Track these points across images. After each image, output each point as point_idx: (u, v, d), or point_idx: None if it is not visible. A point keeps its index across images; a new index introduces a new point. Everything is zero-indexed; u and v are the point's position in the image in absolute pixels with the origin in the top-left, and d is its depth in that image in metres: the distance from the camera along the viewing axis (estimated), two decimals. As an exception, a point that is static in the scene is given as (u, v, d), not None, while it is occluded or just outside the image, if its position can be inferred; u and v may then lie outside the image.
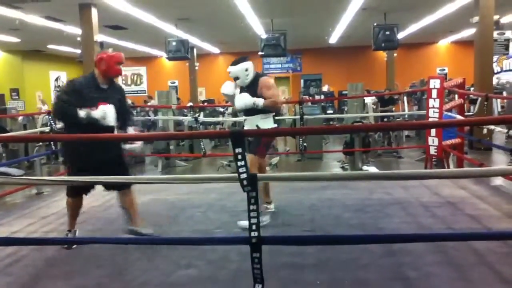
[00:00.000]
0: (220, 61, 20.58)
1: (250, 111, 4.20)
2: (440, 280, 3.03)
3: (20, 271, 3.37)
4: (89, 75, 3.70)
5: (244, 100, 4.11)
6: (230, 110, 12.40)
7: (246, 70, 4.21)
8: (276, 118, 4.49)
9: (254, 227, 2.32)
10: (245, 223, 4.07)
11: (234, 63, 4.24)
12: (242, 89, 4.29)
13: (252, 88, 4.19)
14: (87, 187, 3.70)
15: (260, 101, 4.09)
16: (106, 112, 3.49)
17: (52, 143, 6.29)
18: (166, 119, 9.22)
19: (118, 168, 3.62)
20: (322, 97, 16.69)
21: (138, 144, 4.02)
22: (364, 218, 4.38)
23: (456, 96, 7.10)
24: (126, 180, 3.28)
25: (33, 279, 3.23)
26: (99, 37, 10.44)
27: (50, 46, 16.28)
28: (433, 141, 6.24)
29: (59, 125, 8.98)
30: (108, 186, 3.75)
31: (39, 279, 3.22)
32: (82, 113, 3.43)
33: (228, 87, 4.33)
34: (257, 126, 4.22)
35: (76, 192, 3.74)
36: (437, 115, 6.06)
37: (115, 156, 3.72)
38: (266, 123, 4.22)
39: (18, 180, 3.60)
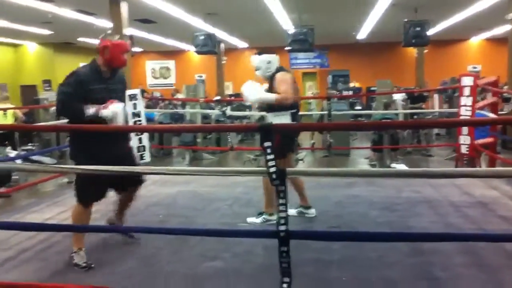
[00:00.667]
0: (247, 56, 20.56)
1: (270, 107, 4.08)
2: (470, 281, 2.98)
3: (52, 257, 3.47)
4: (92, 64, 3.38)
5: (253, 91, 4.01)
6: (257, 104, 12.39)
7: (269, 62, 4.10)
8: (303, 113, 4.36)
9: (282, 221, 2.32)
10: (252, 219, 4.05)
11: (259, 53, 4.17)
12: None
13: (270, 83, 4.10)
14: (105, 191, 3.40)
15: (272, 96, 3.95)
16: (116, 113, 3.22)
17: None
18: (193, 112, 9.30)
19: (130, 164, 3.39)
20: (350, 93, 16.51)
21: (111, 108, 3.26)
22: (392, 217, 4.33)
23: (489, 94, 6.92)
24: (154, 171, 3.24)
25: (64, 265, 3.31)
26: (128, 30, 10.58)
27: (81, 39, 16.58)
28: (464, 139, 6.10)
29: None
30: (122, 186, 3.50)
31: (70, 265, 3.30)
32: (89, 111, 3.15)
33: (249, 88, 4.08)
34: None
35: (93, 198, 3.35)
36: (469, 113, 5.92)
37: (126, 150, 3.56)
38: (281, 120, 3.96)
39: (51, 168, 3.68)
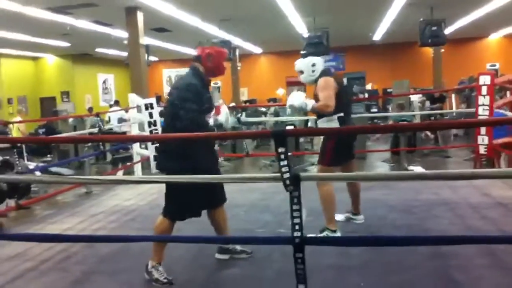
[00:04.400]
0: (262, 61, 20.62)
1: (318, 114, 3.91)
2: (491, 284, 2.92)
3: (71, 267, 3.52)
4: (196, 72, 3.22)
5: (294, 98, 3.79)
6: (272, 110, 12.41)
7: (313, 65, 3.87)
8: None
9: (297, 227, 2.31)
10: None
11: (303, 56, 4.05)
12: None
13: (315, 89, 3.89)
14: (200, 209, 3.29)
15: (309, 103, 3.76)
16: (228, 114, 3.27)
17: (100, 143, 6.48)
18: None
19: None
20: (366, 95, 16.39)
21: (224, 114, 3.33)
22: (410, 219, 4.28)
23: (508, 92, 6.80)
24: (166, 180, 3.09)
25: (83, 275, 3.36)
26: (144, 40, 10.72)
27: (98, 50, 16.85)
28: (483, 140, 6.00)
29: (107, 126, 9.31)
30: (210, 202, 3.32)
31: (89, 275, 3.34)
32: (211, 121, 3.17)
33: (295, 97, 3.85)
34: None
35: (186, 214, 3.24)
36: (487, 112, 5.83)
37: (217, 165, 3.47)
38: (330, 126, 3.83)
39: (70, 179, 3.73)
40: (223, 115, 3.23)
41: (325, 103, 3.71)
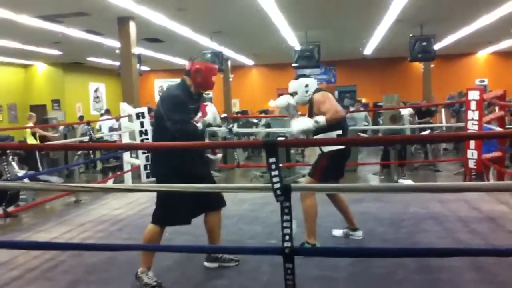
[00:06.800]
0: (254, 73, 20.72)
1: (315, 131, 3.81)
2: (480, 298, 2.93)
3: (58, 276, 3.47)
4: (182, 85, 3.32)
5: (302, 123, 3.72)
6: (263, 121, 12.44)
7: (306, 86, 3.90)
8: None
9: (287, 237, 2.31)
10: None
11: (296, 77, 4.01)
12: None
13: (310, 107, 3.90)
14: (190, 216, 3.31)
15: (321, 118, 3.67)
16: (214, 112, 3.32)
17: (91, 152, 6.43)
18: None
19: (212, 182, 3.40)
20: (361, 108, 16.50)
21: (220, 155, 3.53)
22: (399, 233, 4.28)
23: (497, 108, 6.89)
24: (157, 189, 3.18)
25: (71, 284, 3.31)
26: (136, 50, 10.73)
27: (90, 59, 16.83)
28: (472, 154, 6.06)
29: (98, 135, 9.25)
30: (202, 208, 3.40)
31: (77, 285, 3.29)
32: (200, 125, 3.20)
33: (280, 99, 3.97)
34: (320, 148, 3.94)
35: (176, 220, 3.28)
36: (476, 127, 5.89)
37: (208, 169, 3.51)
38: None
39: (58, 186, 3.68)
40: (209, 115, 3.28)
41: (335, 109, 3.70)
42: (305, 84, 3.92)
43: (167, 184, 2.83)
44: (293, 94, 3.98)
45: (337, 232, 4.22)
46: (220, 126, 3.47)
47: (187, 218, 3.29)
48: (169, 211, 3.19)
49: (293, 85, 3.98)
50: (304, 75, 4.05)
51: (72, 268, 3.59)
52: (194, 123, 3.19)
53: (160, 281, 3.18)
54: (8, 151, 5.25)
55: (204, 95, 3.58)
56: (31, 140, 9.21)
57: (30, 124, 9.33)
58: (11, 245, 3.42)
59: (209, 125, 3.32)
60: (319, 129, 3.70)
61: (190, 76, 3.29)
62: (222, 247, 3.56)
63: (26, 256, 3.79)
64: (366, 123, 11.92)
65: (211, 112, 3.31)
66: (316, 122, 3.66)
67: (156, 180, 3.32)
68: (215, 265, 3.53)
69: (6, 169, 4.90)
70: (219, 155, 3.48)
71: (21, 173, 6.28)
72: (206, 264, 3.55)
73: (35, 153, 8.60)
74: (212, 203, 3.40)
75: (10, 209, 5.43)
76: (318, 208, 3.86)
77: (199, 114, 3.27)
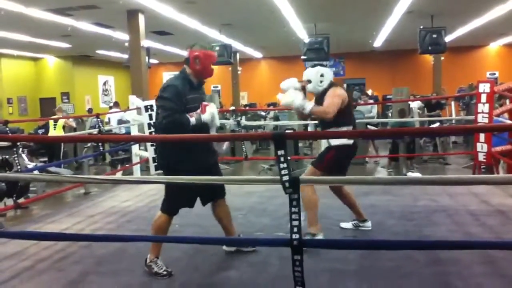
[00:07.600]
0: (262, 66, 20.68)
1: (326, 124, 3.79)
2: (490, 291, 2.91)
3: (68, 267, 3.50)
4: (182, 75, 3.32)
5: (292, 97, 3.70)
6: (271, 114, 12.43)
7: (322, 75, 3.79)
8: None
9: (295, 229, 2.31)
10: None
11: (312, 65, 3.92)
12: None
13: (322, 98, 3.76)
14: (194, 201, 3.38)
15: (309, 105, 3.69)
16: (213, 114, 3.27)
17: (100, 144, 6.47)
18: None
19: (218, 174, 3.42)
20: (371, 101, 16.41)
21: (226, 144, 3.61)
22: (408, 226, 4.27)
23: (508, 101, 6.82)
24: (165, 181, 3.15)
25: (81, 275, 3.34)
26: (145, 42, 10.75)
27: (99, 52, 16.88)
28: (482, 147, 6.01)
29: (107, 127, 9.30)
30: (206, 198, 3.46)
31: (87, 276, 3.32)
32: (193, 120, 3.16)
33: (287, 82, 3.85)
34: (328, 142, 3.89)
35: (182, 206, 3.33)
36: (486, 120, 5.84)
37: (216, 159, 3.50)
38: (339, 139, 3.75)
39: (68, 178, 3.72)
40: (207, 114, 3.24)
41: (325, 109, 3.65)
42: (320, 74, 3.81)
43: (174, 176, 2.85)
44: (307, 82, 3.87)
45: (346, 225, 4.22)
46: (217, 129, 3.45)
47: (191, 202, 3.37)
48: (176, 199, 3.26)
49: (308, 73, 3.89)
50: (321, 65, 3.96)
51: (82, 259, 3.62)
52: (188, 116, 3.16)
53: (170, 269, 3.23)
54: (18, 143, 5.30)
55: (210, 89, 3.56)
56: (60, 132, 9.14)
57: (60, 116, 9.29)
58: (22, 235, 3.46)
59: (206, 124, 3.26)
60: (329, 123, 3.68)
61: (189, 64, 3.29)
62: (231, 239, 3.60)
63: (36, 247, 3.83)
64: (372, 116, 11.83)
65: (210, 113, 3.26)
66: (301, 105, 3.68)
67: (163, 172, 3.36)
68: (232, 249, 3.63)
69: (16, 161, 4.95)
70: (226, 144, 3.48)
71: (31, 165, 6.35)
72: (225, 248, 3.65)
73: (61, 145, 8.82)
74: (217, 191, 3.47)
75: (21, 200, 5.49)
76: (328, 201, 3.85)
77: (198, 110, 3.24)
